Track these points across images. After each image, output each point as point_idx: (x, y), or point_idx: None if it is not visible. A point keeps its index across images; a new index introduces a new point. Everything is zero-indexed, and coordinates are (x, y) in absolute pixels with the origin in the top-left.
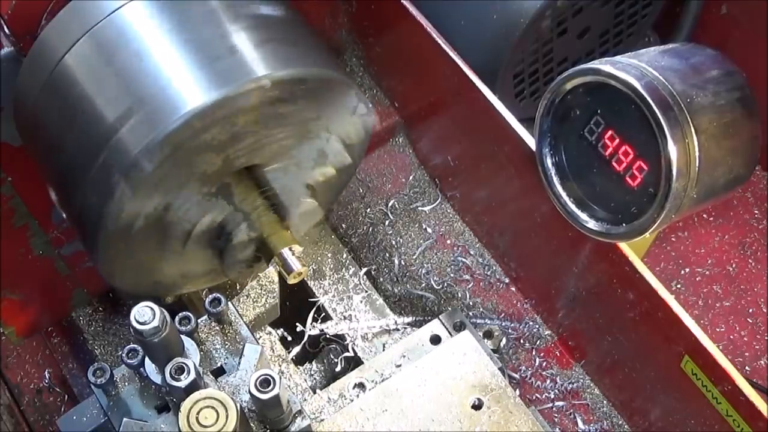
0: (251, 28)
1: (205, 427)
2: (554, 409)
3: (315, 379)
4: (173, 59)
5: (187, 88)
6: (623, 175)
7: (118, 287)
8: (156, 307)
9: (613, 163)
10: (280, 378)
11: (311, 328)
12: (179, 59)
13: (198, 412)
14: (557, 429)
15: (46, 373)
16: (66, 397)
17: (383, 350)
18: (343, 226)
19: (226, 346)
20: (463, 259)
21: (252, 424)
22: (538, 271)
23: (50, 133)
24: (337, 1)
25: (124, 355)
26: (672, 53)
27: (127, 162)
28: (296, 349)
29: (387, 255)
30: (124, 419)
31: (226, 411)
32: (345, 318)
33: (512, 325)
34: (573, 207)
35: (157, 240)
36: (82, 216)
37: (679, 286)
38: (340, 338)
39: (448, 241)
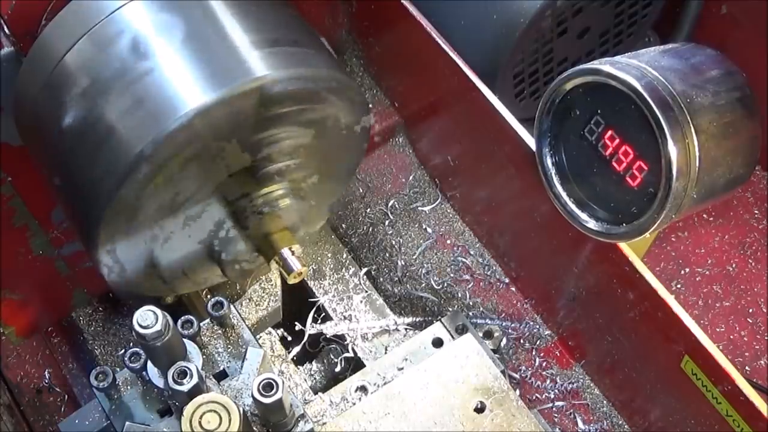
0: (252, 29)
1: (208, 431)
2: (554, 409)
3: (315, 379)
4: (173, 59)
5: (187, 87)
6: (623, 175)
7: (117, 288)
8: (158, 311)
9: (613, 163)
10: (283, 382)
11: (311, 328)
12: (179, 59)
13: (200, 416)
14: (557, 429)
15: (46, 373)
16: (66, 397)
17: (384, 351)
18: (343, 226)
19: (229, 350)
20: (463, 259)
21: (255, 428)
22: (538, 271)
23: (50, 132)
24: (337, 1)
25: (126, 358)
26: (672, 53)
27: (127, 162)
28: (296, 349)
29: (387, 255)
30: (127, 423)
31: (229, 415)
32: (345, 318)
33: (512, 325)
34: (573, 207)
35: (155, 239)
36: (81, 215)
37: (679, 286)
38: (340, 338)
39: (448, 241)
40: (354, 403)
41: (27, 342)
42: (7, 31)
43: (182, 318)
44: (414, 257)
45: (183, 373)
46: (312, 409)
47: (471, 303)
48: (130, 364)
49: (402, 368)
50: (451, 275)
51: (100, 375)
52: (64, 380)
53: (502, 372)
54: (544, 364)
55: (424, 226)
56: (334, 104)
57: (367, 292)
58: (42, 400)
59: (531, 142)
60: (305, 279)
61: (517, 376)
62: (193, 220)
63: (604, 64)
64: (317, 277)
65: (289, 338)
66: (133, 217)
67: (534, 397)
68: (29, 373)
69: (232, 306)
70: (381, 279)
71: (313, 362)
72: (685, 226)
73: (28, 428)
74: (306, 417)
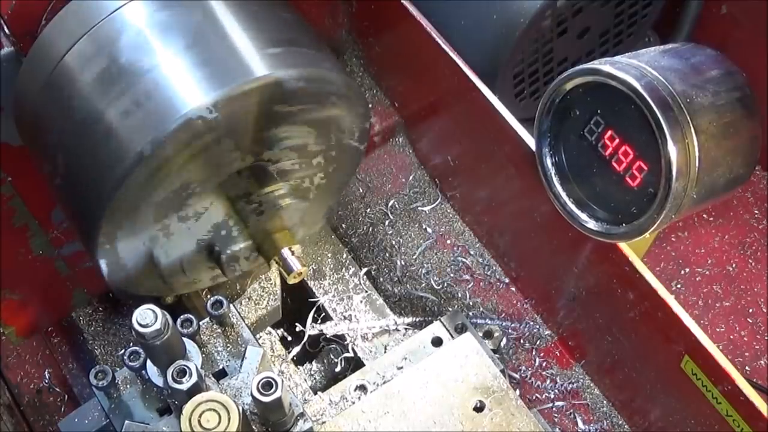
0: (253, 29)
1: (207, 429)
2: (554, 409)
3: (315, 379)
4: (173, 59)
5: (187, 87)
6: (623, 175)
7: (116, 287)
8: (158, 310)
9: (613, 163)
10: (283, 381)
11: (311, 328)
12: (179, 58)
13: (200, 415)
14: (557, 429)
15: (46, 373)
16: (66, 397)
17: (383, 351)
18: (343, 226)
19: (228, 349)
20: (463, 259)
21: (254, 427)
22: (538, 271)
23: (50, 132)
24: (337, 1)
25: (125, 357)
26: (672, 53)
27: (128, 162)
28: (296, 349)
29: (387, 255)
30: (126, 422)
31: (228, 414)
32: (345, 318)
33: (512, 325)
34: (573, 207)
35: (155, 238)
36: (81, 215)
37: (679, 286)
38: (340, 338)
39: (448, 241)
40: (353, 402)
41: (27, 342)
42: (7, 31)
43: (181, 317)
44: (414, 257)
45: (182, 372)
46: (311, 408)
47: (471, 303)
48: (130, 363)
49: (401, 367)
50: (451, 275)
51: (99, 374)
52: (64, 380)
53: (502, 371)
54: (544, 364)
55: (424, 226)
56: (334, 105)
57: (367, 292)
58: (42, 400)
59: (531, 142)
60: (305, 279)
61: (517, 376)
62: (193, 219)
63: (604, 64)
64: (317, 277)
65: (289, 338)
66: (134, 215)
67: (534, 397)
68: (29, 373)
69: (231, 305)
70: (381, 279)
71: (313, 362)
72: (685, 226)
73: (28, 428)
74: (305, 416)
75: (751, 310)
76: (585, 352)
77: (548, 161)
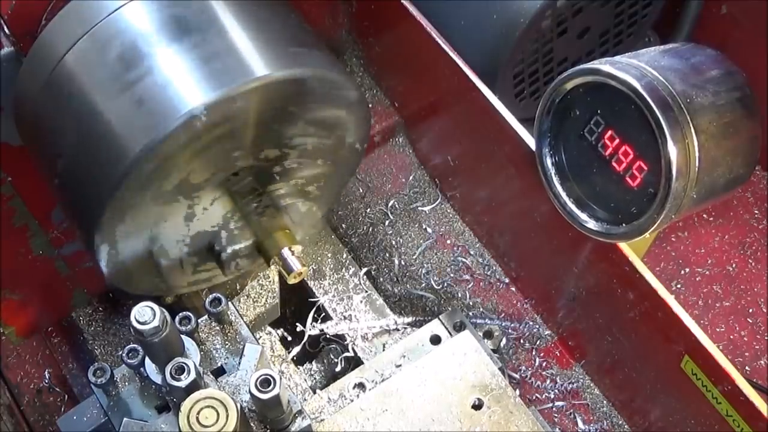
0: (253, 29)
1: (206, 427)
2: (554, 409)
3: (315, 379)
4: (174, 58)
5: (187, 87)
6: (623, 175)
7: (117, 287)
8: (156, 307)
9: (613, 163)
10: (281, 378)
11: (311, 328)
12: (179, 58)
13: (198, 412)
14: (557, 429)
15: (46, 373)
16: (66, 397)
17: (383, 350)
18: (343, 226)
19: (227, 346)
20: (463, 259)
21: (252, 424)
22: (538, 271)
23: (50, 132)
24: (337, 1)
25: (124, 354)
26: (672, 53)
27: (127, 161)
28: (296, 349)
29: (387, 255)
30: (125, 419)
31: (227, 411)
32: (345, 318)
33: (512, 325)
34: (573, 207)
35: (155, 237)
36: (81, 214)
37: (679, 286)
38: (340, 338)
39: (448, 241)
40: (352, 400)
41: (27, 342)
42: (7, 31)
43: (180, 314)
44: (414, 257)
45: (180, 369)
46: (310, 405)
47: (471, 303)
48: (128, 360)
49: (400, 365)
50: (451, 275)
51: (98, 371)
52: (64, 380)
53: (500, 369)
54: (544, 364)
55: (424, 226)
56: (338, 106)
57: (367, 292)
58: (42, 400)
59: (531, 142)
60: (305, 279)
61: (517, 376)
62: (194, 217)
63: (604, 64)
64: (317, 277)
65: (289, 338)
66: (133, 214)
67: (534, 397)
68: (29, 373)
69: (230, 302)
70: (381, 279)
71: (313, 362)
72: (685, 226)
73: (28, 428)
74: (303, 413)
75: (751, 310)
76: (585, 352)
77: (548, 161)
